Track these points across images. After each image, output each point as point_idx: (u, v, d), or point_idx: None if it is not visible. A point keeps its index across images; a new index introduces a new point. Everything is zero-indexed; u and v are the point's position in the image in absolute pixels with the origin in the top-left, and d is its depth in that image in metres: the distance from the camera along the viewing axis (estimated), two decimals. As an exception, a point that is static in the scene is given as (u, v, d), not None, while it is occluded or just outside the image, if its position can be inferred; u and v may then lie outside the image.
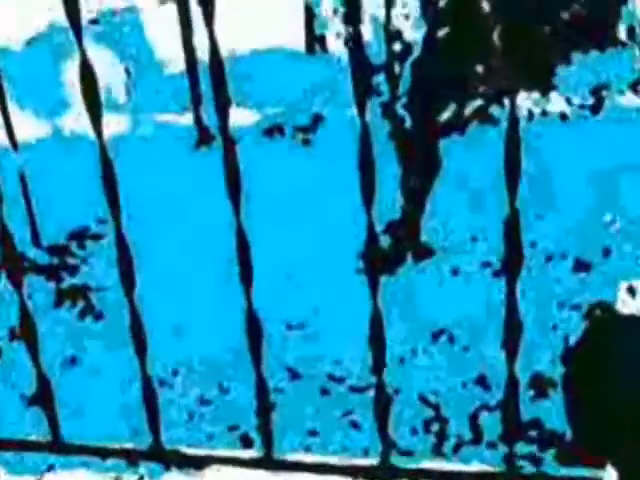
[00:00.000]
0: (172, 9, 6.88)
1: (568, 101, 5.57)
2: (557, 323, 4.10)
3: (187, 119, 6.36)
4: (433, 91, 4.73)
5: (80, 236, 5.16)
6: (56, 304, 4.55)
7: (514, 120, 2.16)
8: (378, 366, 2.45)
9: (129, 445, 2.69)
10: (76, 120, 6.66)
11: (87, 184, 5.55)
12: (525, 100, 5.51)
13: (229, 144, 2.30)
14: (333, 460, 2.46)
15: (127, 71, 7.08)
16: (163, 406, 3.74)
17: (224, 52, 6.99)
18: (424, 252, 4.68)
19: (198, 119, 6.08)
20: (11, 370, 4.09)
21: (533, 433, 3.39)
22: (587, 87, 5.70)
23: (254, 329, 2.57)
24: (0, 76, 4.83)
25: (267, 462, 2.51)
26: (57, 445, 2.72)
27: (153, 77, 7.02)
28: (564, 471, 2.45)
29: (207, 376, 3.97)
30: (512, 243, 2.32)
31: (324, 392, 3.83)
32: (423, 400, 3.72)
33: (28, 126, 6.50)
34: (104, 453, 2.69)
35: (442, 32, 4.78)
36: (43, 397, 2.70)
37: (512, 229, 2.29)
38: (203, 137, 6.06)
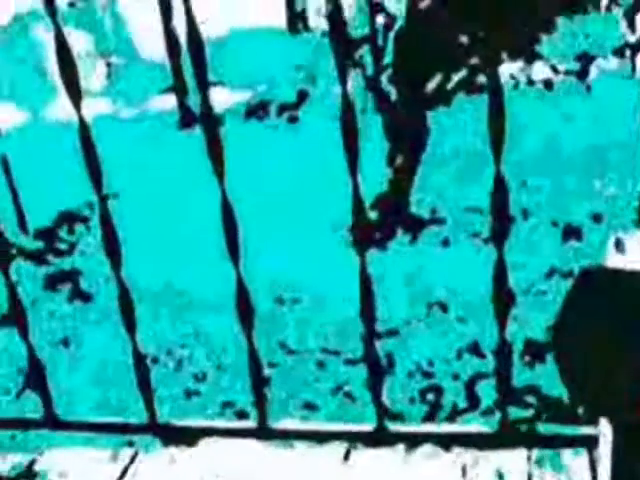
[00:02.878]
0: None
1: (553, 68, 5.56)
2: (549, 290, 4.10)
3: (171, 101, 6.32)
4: (417, 63, 4.71)
5: (69, 221, 5.13)
6: (46, 288, 4.53)
7: (496, 89, 2.14)
8: (369, 337, 2.45)
9: (123, 420, 2.68)
10: (62, 107, 6.62)
11: (74, 169, 5.53)
12: (510, 68, 5.49)
13: (211, 123, 2.28)
14: (328, 427, 2.46)
15: (107, 61, 7.03)
16: (159, 384, 3.74)
17: (206, 32, 6.98)
18: (414, 224, 4.67)
19: (181, 101, 6.05)
20: (4, 355, 4.08)
21: (529, 398, 3.40)
22: (572, 54, 5.68)
23: (245, 304, 2.56)
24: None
25: (262, 432, 2.50)
26: (52, 422, 2.70)
27: (135, 61, 6.97)
28: (560, 430, 2.46)
29: (203, 354, 3.97)
30: (499, 211, 2.31)
31: (319, 365, 3.83)
32: (418, 370, 3.73)
33: (14, 114, 6.46)
34: (99, 429, 2.68)
35: (425, 3, 4.75)
36: (36, 378, 2.68)
37: (498, 197, 2.28)
38: (187, 119, 6.03)
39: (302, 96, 6.09)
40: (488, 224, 4.58)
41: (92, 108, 6.42)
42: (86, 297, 4.42)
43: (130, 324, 2.47)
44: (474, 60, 4.81)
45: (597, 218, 4.57)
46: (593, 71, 5.62)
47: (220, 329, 4.11)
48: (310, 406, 3.53)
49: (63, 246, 4.88)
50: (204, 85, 2.28)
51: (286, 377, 3.75)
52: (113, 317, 4.25)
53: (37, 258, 4.75)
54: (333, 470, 2.62)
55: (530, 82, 5.55)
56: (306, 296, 4.31)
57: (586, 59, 5.65)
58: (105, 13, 7.05)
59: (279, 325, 4.12)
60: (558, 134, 5.21)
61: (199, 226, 4.85)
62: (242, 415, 3.55)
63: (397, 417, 3.40)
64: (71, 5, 6.88)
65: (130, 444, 2.75)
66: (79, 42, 7.04)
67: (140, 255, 4.60)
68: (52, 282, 4.55)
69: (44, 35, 6.96)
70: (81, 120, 2.33)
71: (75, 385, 3.72)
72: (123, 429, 2.66)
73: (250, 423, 2.55)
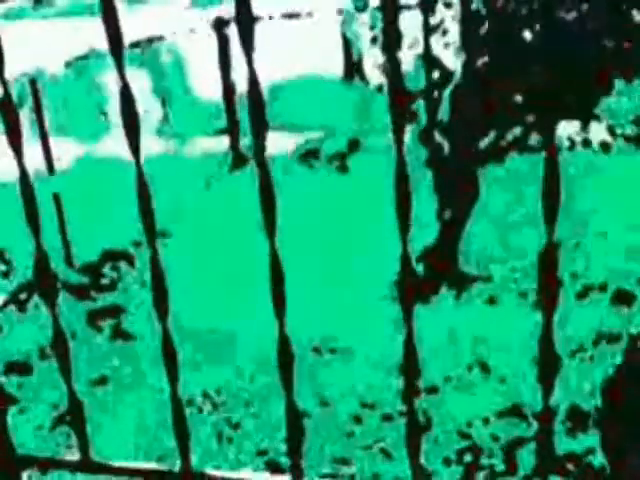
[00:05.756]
0: (208, 36, 6.95)
1: (611, 131, 5.50)
2: (596, 355, 4.01)
3: (223, 143, 6.39)
4: (472, 119, 4.70)
5: (113, 258, 5.18)
6: (86, 324, 4.56)
7: (552, 151, 2.11)
8: (410, 394, 2.40)
9: (157, 466, 2.65)
10: (113, 144, 6.73)
11: (122, 207, 5.59)
12: (567, 129, 5.45)
13: (264, 170, 2.29)
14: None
15: (163, 97, 7.15)
16: (192, 427, 3.71)
17: (263, 79, 7.06)
18: (460, 281, 4.62)
19: (234, 143, 6.11)
20: (41, 388, 4.10)
21: (570, 466, 3.30)
22: (630, 117, 5.62)
23: (286, 354, 2.54)
24: (39, 100, 4.89)
25: (296, 488, 2.45)
26: (87, 464, 2.69)
27: (190, 102, 7.07)
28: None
29: (237, 401, 3.94)
30: (548, 275, 2.27)
31: (355, 419, 3.77)
32: (457, 430, 3.65)
33: (65, 150, 6.57)
34: (132, 473, 2.66)
35: (482, 60, 4.76)
36: (73, 415, 2.68)
37: (548, 261, 2.24)
38: (238, 161, 6.08)
39: (354, 145, 6.11)
40: (536, 285, 4.51)
41: (146, 146, 6.51)
42: (127, 336, 4.43)
43: (172, 371, 2.46)
44: (529, 119, 4.79)
45: (648, 285, 4.47)
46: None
47: (258, 377, 4.08)
48: (343, 461, 3.48)
49: (106, 282, 4.92)
50: (260, 132, 2.29)
51: (320, 428, 3.70)
52: (152, 356, 4.25)
53: (81, 293, 4.79)
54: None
55: (586, 143, 5.50)
56: (345, 348, 4.27)
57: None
58: (163, 54, 7.19)
59: (316, 375, 4.08)
60: (612, 197, 5.14)
61: (245, 268, 4.86)
62: (274, 464, 3.50)
63: (432, 477, 3.33)
64: (133, 46, 7.03)
65: (162, 489, 2.72)
66: (136, 80, 7.17)
67: (183, 296, 4.61)
68: (94, 318, 4.58)
69: (102, 74, 7.11)
70: (137, 162, 2.35)
71: (110, 426, 3.71)
72: (157, 476, 2.64)
73: (285, 478, 2.50)
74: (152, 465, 2.66)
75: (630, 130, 5.56)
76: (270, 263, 2.47)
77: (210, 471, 2.65)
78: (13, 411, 3.87)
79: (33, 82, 5.37)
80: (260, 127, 2.39)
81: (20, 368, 4.27)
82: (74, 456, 2.75)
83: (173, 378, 2.55)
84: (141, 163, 2.53)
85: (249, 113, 2.48)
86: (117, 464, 2.69)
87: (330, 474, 3.38)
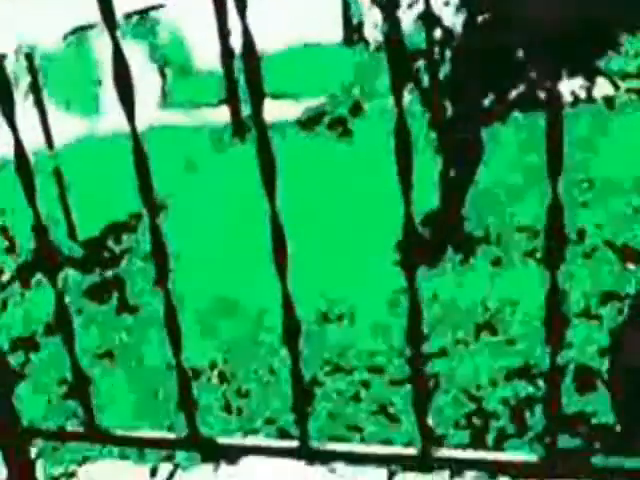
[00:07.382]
0: (206, 3, 6.86)
1: (615, 85, 5.42)
2: (604, 314, 3.98)
3: (225, 113, 6.34)
4: (474, 78, 4.64)
5: (116, 230, 5.16)
6: (91, 298, 4.56)
7: (555, 106, 2.07)
8: (416, 358, 2.38)
9: (165, 435, 2.65)
10: (113, 117, 6.69)
11: (124, 179, 5.56)
12: (570, 84, 5.38)
13: (264, 137, 2.25)
14: (372, 450, 2.39)
15: (161, 68, 7.09)
16: (201, 399, 3.71)
17: (261, 44, 6.98)
18: (465, 242, 4.58)
19: (234, 112, 6.06)
20: (48, 363, 4.10)
21: (580, 426, 3.29)
22: (634, 71, 5.54)
23: (291, 321, 2.51)
24: (37, 76, 4.84)
25: (303, 451, 2.45)
26: (94, 435, 2.69)
27: (190, 73, 7.01)
28: (613, 462, 2.35)
29: (246, 369, 3.94)
30: (554, 232, 2.23)
31: (364, 385, 3.76)
32: (466, 393, 3.64)
33: (66, 124, 6.54)
34: (140, 443, 2.65)
35: (482, 18, 4.68)
36: (79, 389, 2.67)
37: (554, 217, 2.20)
38: (239, 130, 6.03)
39: (356, 109, 6.05)
40: (542, 244, 4.47)
41: (145, 118, 6.47)
42: (133, 308, 4.42)
43: (176, 340, 2.44)
44: (532, 76, 4.72)
45: (656, 241, 4.44)
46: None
47: (266, 345, 4.08)
48: (353, 426, 3.47)
49: (110, 255, 4.90)
50: (258, 99, 2.24)
51: (329, 395, 3.70)
52: (157, 328, 4.25)
53: (85, 267, 4.78)
54: (375, 494, 2.56)
55: (590, 99, 5.43)
56: (353, 313, 4.25)
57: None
58: (161, 25, 7.11)
59: (324, 342, 4.07)
60: (617, 152, 5.08)
61: (248, 237, 4.83)
62: (284, 432, 3.51)
63: (441, 440, 3.32)
64: (127, 17, 6.95)
65: (170, 459, 2.73)
66: (134, 53, 7.11)
67: (187, 266, 4.59)
68: (99, 292, 4.57)
69: (101, 47, 7.04)
70: (134, 131, 2.31)
71: (117, 397, 3.72)
72: (164, 444, 2.64)
73: (292, 443, 2.50)
74: (161, 433, 2.66)
75: (634, 84, 5.49)
76: (270, 223, 2.44)
77: (219, 438, 2.65)
78: (20, 386, 3.88)
79: (29, 57, 5.32)
80: (257, 89, 2.34)
81: (26, 344, 4.27)
82: (82, 428, 2.75)
83: (176, 344, 2.53)
84: (137, 131, 2.49)
85: (245, 78, 2.44)
86: (125, 433, 2.69)
87: (339, 439, 3.38)
